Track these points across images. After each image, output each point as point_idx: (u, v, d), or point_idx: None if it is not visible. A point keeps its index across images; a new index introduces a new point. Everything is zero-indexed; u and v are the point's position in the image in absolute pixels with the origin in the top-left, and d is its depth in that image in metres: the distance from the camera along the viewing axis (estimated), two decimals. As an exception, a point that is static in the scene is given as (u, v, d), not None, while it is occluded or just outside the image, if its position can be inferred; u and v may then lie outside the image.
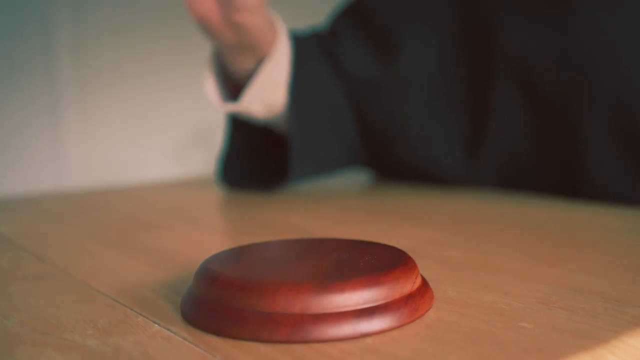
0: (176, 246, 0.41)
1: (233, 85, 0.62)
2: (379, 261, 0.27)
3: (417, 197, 0.59)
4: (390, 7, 0.65)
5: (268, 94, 0.57)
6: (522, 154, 0.58)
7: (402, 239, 0.41)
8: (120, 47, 1.05)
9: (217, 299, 0.26)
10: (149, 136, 1.11)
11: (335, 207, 0.55)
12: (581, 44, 0.53)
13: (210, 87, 0.59)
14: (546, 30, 0.55)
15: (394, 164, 0.66)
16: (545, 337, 0.24)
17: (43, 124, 0.97)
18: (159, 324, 0.26)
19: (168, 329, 0.26)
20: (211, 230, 0.48)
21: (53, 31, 0.96)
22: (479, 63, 0.59)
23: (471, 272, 0.33)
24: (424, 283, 0.28)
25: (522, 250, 0.37)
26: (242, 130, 0.65)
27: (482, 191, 0.60)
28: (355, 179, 0.74)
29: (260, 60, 0.57)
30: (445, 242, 0.40)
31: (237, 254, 0.30)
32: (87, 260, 0.38)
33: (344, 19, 0.67)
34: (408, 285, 0.26)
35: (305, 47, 0.62)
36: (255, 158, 0.67)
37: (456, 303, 0.28)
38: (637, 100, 0.50)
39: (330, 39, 0.66)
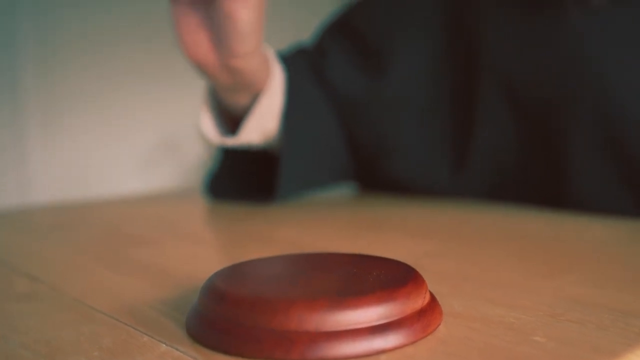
0: (169, 261, 0.40)
1: (228, 117, 0.62)
2: (389, 276, 0.27)
3: (403, 208, 0.59)
4: (378, 21, 0.65)
5: (264, 124, 0.58)
6: (508, 166, 0.58)
7: (397, 251, 0.41)
8: (84, 62, 1.03)
9: (226, 316, 0.25)
10: (115, 150, 1.10)
11: (322, 219, 0.55)
12: (567, 57, 0.54)
13: (207, 124, 0.58)
14: (532, 43, 0.56)
15: (382, 178, 0.66)
16: (560, 351, 0.24)
17: (7, 139, 0.95)
18: (166, 344, 0.26)
19: (176, 349, 0.25)
20: (201, 245, 0.47)
21: (18, 46, 0.95)
22: (465, 75, 0.60)
23: (472, 285, 0.33)
24: (433, 298, 0.28)
25: (517, 262, 0.38)
26: (233, 150, 0.65)
27: (468, 202, 0.60)
28: (340, 190, 0.74)
29: (255, 95, 0.57)
30: (439, 254, 0.40)
31: (242, 270, 0.29)
32: (79, 278, 0.37)
33: (331, 34, 0.68)
34: (419, 301, 0.26)
35: (296, 69, 0.62)
36: (245, 173, 0.66)
37: (464, 317, 0.28)
38: (622, 112, 0.51)
39: (318, 56, 0.66)
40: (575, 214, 0.53)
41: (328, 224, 0.52)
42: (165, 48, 0.91)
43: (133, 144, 1.14)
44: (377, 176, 0.66)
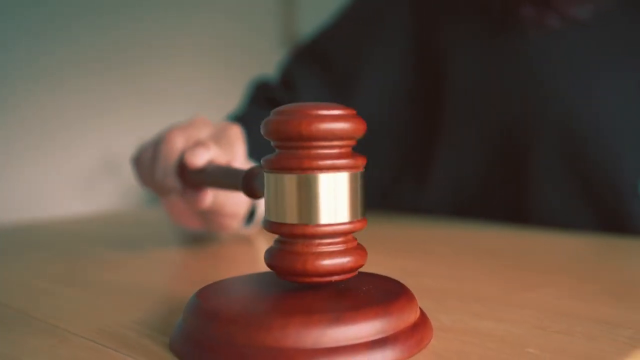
0: (139, 281, 0.39)
1: None
2: (379, 291, 0.27)
3: (373, 225, 0.59)
4: (347, 45, 0.65)
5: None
6: (471, 183, 0.59)
7: (374, 268, 0.41)
8: (24, 87, 1.01)
9: (218, 336, 0.24)
10: (54, 172, 1.08)
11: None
12: (527, 78, 0.55)
13: None
14: (494, 65, 0.57)
15: None
16: (555, 361, 0.24)
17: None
18: (153, 366, 0.25)
19: (165, 371, 0.24)
20: (167, 263, 0.46)
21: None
22: (431, 97, 0.61)
23: (455, 299, 0.33)
24: (422, 312, 0.28)
25: (493, 276, 0.38)
26: None
27: (435, 218, 0.61)
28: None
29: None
30: (416, 269, 0.40)
31: (226, 288, 0.28)
32: (46, 300, 0.35)
33: (299, 61, 0.67)
34: (412, 315, 0.26)
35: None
36: None
37: (454, 331, 0.28)
38: (583, 131, 0.53)
39: (286, 91, 0.65)
40: (538, 229, 0.54)
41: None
42: (104, 72, 0.90)
43: (72, 166, 1.11)
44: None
